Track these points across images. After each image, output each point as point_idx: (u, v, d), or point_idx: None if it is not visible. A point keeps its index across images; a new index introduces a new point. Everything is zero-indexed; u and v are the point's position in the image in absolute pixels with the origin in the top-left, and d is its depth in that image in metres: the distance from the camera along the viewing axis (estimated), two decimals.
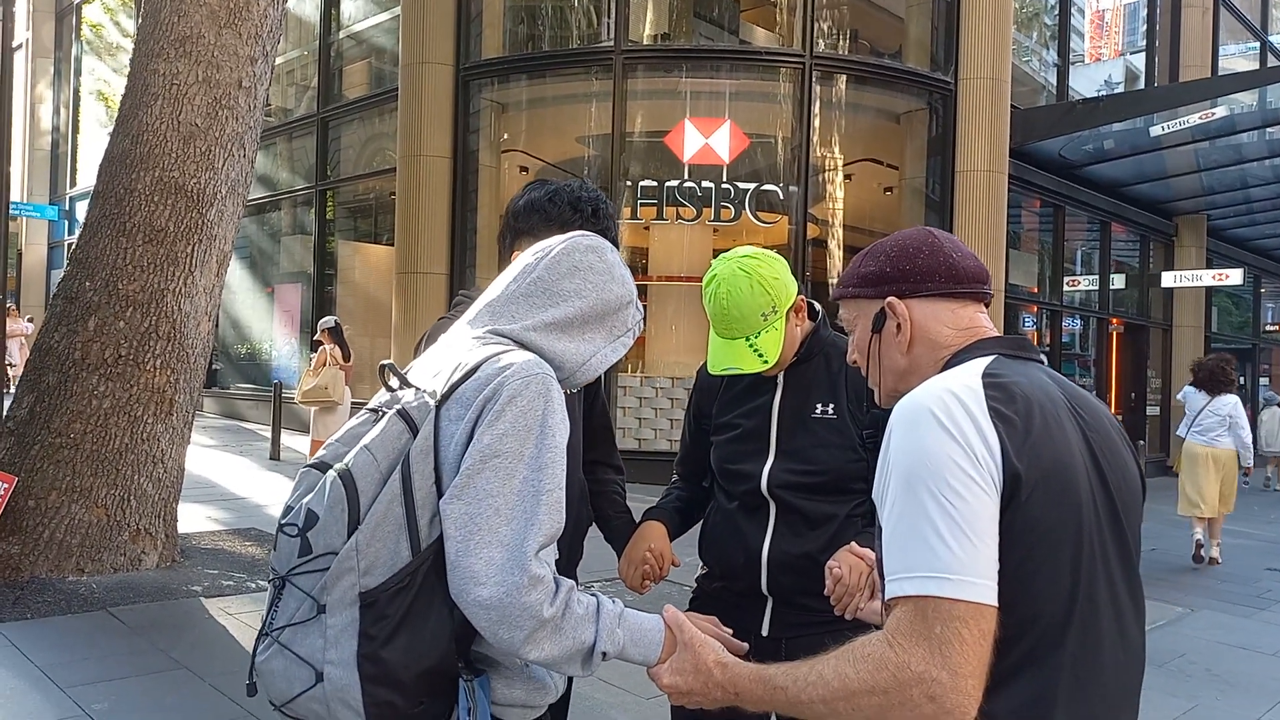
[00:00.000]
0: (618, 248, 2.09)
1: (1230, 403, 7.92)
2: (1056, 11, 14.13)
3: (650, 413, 9.97)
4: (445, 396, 1.33)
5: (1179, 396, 9.27)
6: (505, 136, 11.34)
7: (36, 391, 4.98)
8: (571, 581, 1.30)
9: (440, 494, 1.28)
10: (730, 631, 1.45)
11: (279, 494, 7.87)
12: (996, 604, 1.04)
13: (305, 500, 1.32)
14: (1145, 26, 15.82)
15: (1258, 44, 18.50)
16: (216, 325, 10.03)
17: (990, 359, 1.20)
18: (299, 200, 14.63)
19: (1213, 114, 10.85)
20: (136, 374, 5.03)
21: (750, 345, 1.95)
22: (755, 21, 12.40)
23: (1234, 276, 14.70)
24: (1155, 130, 11.42)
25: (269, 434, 10.77)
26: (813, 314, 2.10)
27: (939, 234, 1.34)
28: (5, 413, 5.20)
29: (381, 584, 1.25)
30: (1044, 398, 1.14)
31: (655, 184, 10.08)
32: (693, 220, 10.07)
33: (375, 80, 13.30)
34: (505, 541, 1.24)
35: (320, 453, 1.39)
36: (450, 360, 1.39)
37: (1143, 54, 15.97)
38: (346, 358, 9.34)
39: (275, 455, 10.28)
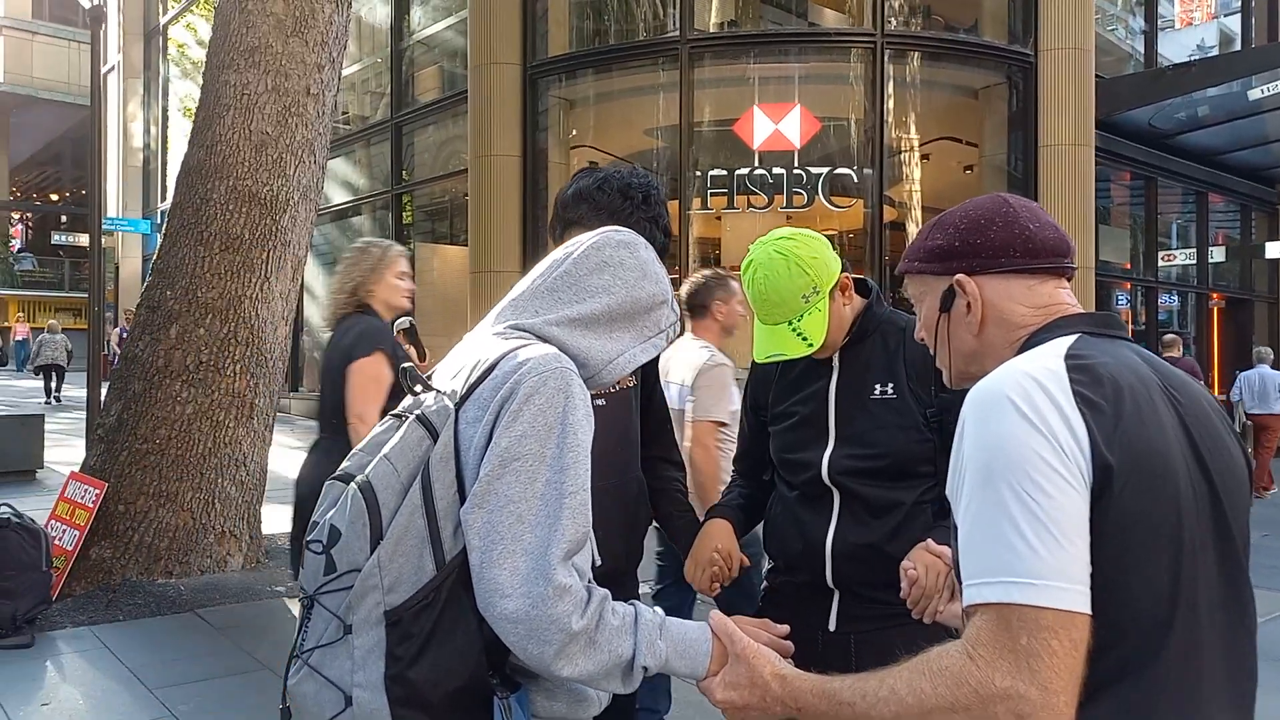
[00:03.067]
0: (669, 236, 2.00)
1: None
2: None
3: None
4: (464, 398, 1.26)
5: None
6: (574, 133, 11.34)
7: (123, 399, 5.14)
8: (605, 591, 1.22)
9: (463, 502, 1.21)
10: (785, 631, 1.35)
11: None
12: (1089, 611, 0.93)
13: (329, 515, 1.27)
14: None
15: None
16: (297, 330, 10.24)
17: (1073, 338, 1.08)
18: (377, 205, 14.92)
19: None
20: (217, 379, 5.16)
21: (793, 329, 1.86)
22: (824, 3, 12.14)
23: None
24: (1254, 94, 10.84)
25: None
26: (864, 290, 1.98)
27: (1015, 201, 1.21)
28: (95, 421, 5.39)
29: (406, 601, 1.19)
30: (1134, 379, 1.03)
31: (725, 173, 9.95)
32: (764, 208, 9.90)
33: (446, 83, 13.46)
34: (529, 549, 1.16)
35: (345, 464, 1.33)
36: (470, 359, 1.32)
37: (1238, 16, 15.14)
38: (422, 357, 9.46)
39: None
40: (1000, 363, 1.13)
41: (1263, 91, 10.75)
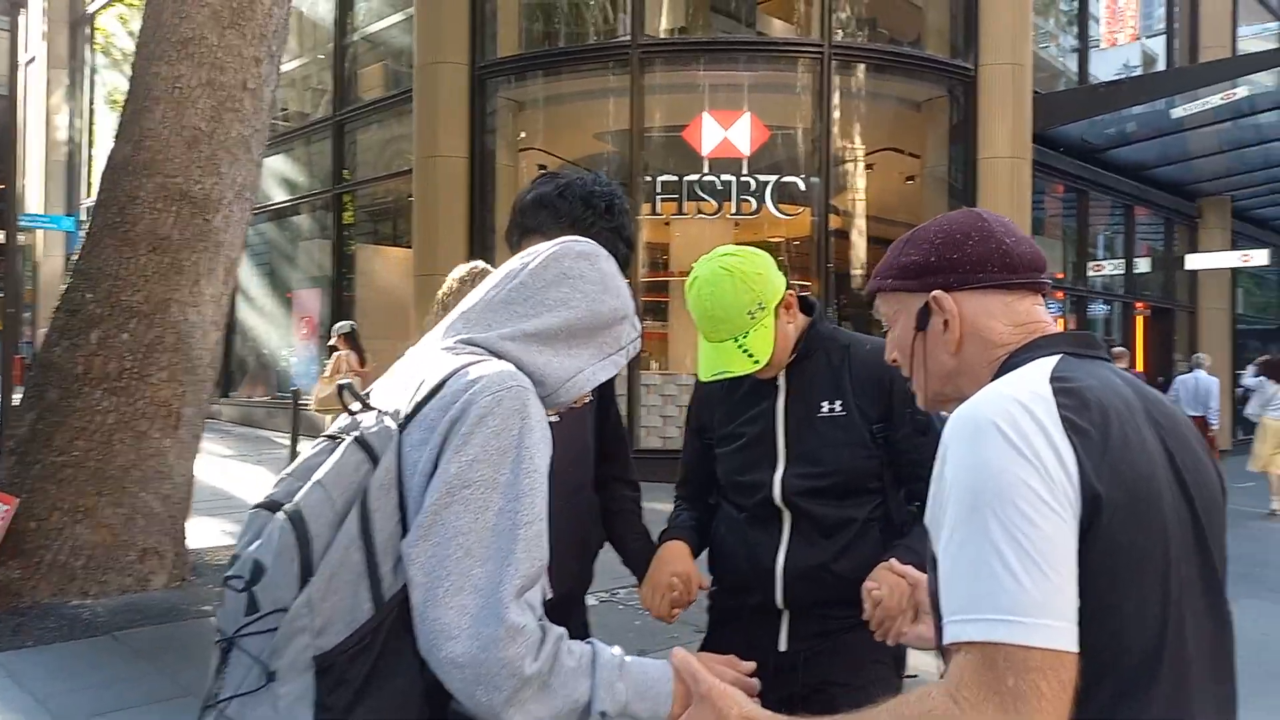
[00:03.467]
0: (633, 246, 1.91)
1: None
2: None
3: (674, 410, 9.81)
4: (408, 418, 1.15)
5: (1248, 383, 11.59)
6: (523, 135, 11.22)
7: (37, 409, 4.86)
8: (561, 630, 1.12)
9: (405, 534, 1.10)
10: (751, 669, 1.29)
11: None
12: (1077, 650, 0.89)
13: (252, 548, 1.13)
14: (1162, 9, 15.69)
15: (1276, 24, 18.18)
16: (231, 332, 9.92)
17: (1056, 359, 1.05)
18: (316, 204, 14.60)
19: (1234, 94, 10.74)
20: (141, 388, 4.90)
21: (739, 346, 1.84)
22: (772, 13, 12.26)
23: (1259, 257, 14.55)
24: (1177, 112, 11.35)
25: (287, 442, 10.68)
26: (807, 308, 1.97)
27: (989, 216, 1.18)
28: (5, 431, 5.08)
29: (339, 645, 1.07)
30: (1120, 404, 1.00)
31: (675, 178, 9.94)
32: (714, 214, 9.91)
33: (391, 82, 13.22)
34: (479, 586, 1.06)
35: (271, 490, 1.20)
36: (415, 376, 1.22)
37: (1160, 38, 15.88)
38: (363, 363, 9.23)
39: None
40: (978, 383, 1.10)
41: (1185, 110, 11.21)
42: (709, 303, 1.84)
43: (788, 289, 1.90)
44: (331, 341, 9.68)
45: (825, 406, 1.90)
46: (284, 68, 5.87)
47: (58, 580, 4.66)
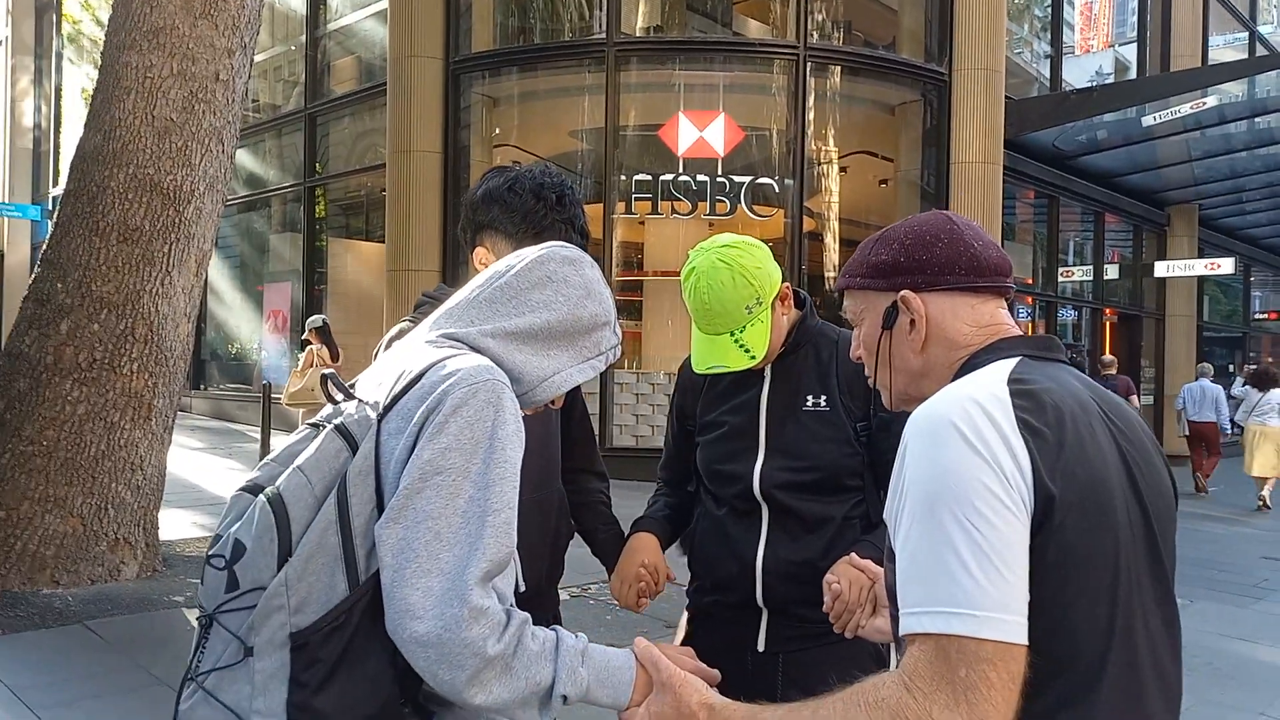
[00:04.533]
0: (587, 236, 1.94)
1: (1278, 395, 10.86)
2: (1048, 3, 14.04)
3: (647, 409, 9.85)
4: (387, 408, 1.19)
5: (1236, 391, 12.53)
6: (497, 131, 11.20)
7: (6, 398, 4.81)
8: (525, 615, 1.16)
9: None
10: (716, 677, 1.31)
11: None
12: (1027, 643, 0.92)
13: (234, 529, 1.18)
14: (1135, 18, 15.90)
15: (1246, 34, 18.49)
16: (201, 325, 9.83)
17: (1015, 361, 1.07)
18: (288, 197, 14.46)
19: (1204, 104, 10.90)
20: (112, 378, 4.87)
21: (736, 340, 1.81)
22: (748, 14, 12.29)
23: (1225, 265, 14.76)
24: (1147, 120, 11.48)
25: (258, 435, 10.61)
26: (799, 302, 1.96)
27: (958, 220, 1.20)
28: None
29: (314, 623, 1.11)
30: (1076, 406, 1.02)
31: (650, 178, 9.96)
32: (688, 214, 9.94)
33: (364, 75, 13.13)
34: (445, 569, 1.10)
35: (254, 474, 1.25)
36: (396, 367, 1.25)
37: (1132, 45, 16.04)
38: (335, 357, 9.19)
39: (265, 457, 10.11)
40: (941, 383, 1.12)
41: (1155, 119, 11.37)
42: (706, 296, 1.79)
43: (782, 281, 1.88)
44: (304, 336, 9.63)
45: (810, 400, 1.89)
46: (255, 59, 5.83)
47: (28, 569, 4.62)
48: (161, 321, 5.03)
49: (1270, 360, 20.92)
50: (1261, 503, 10.63)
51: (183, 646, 4.24)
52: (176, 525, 6.33)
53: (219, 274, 15.10)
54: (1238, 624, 5.54)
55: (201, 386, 15.44)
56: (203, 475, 8.87)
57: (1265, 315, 21.62)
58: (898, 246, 1.19)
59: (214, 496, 7.85)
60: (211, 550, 1.19)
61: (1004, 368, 1.06)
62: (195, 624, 1.21)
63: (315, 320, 9.49)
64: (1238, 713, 4.04)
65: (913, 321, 1.17)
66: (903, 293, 1.17)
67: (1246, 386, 11.50)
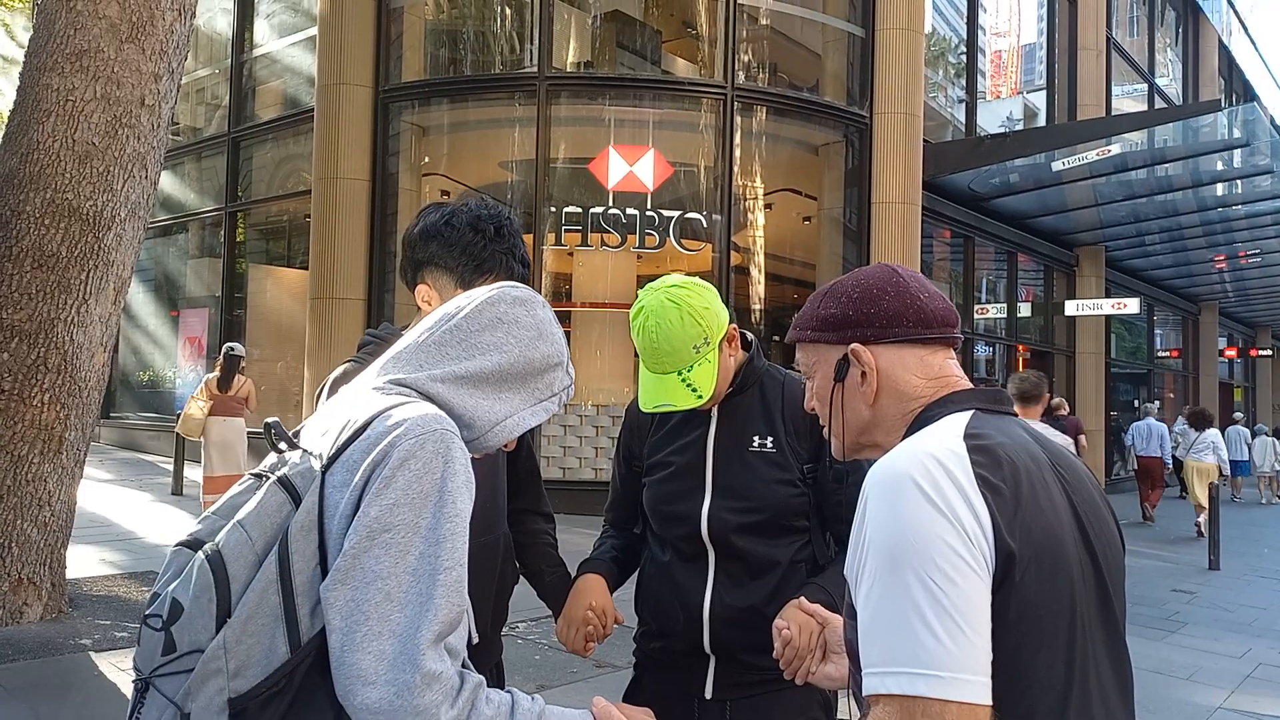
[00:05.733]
0: (529, 265, 1.94)
1: (1212, 434, 12.06)
2: (962, 51, 14.66)
3: (575, 441, 9.82)
4: (332, 459, 1.15)
5: (1176, 430, 14.18)
6: (426, 160, 11.14)
7: None
8: (479, 678, 1.13)
9: (325, 577, 1.10)
10: None
11: (180, 531, 7.45)
12: (991, 703, 0.93)
13: (171, 587, 1.13)
14: (1043, 66, 16.63)
15: (1145, 85, 19.57)
16: (115, 353, 9.46)
17: (969, 414, 1.09)
18: (207, 222, 14.10)
19: (1109, 150, 11.46)
20: (21, 410, 4.66)
21: (683, 380, 1.81)
22: (677, 53, 12.53)
23: (1131, 305, 15.46)
24: (1057, 165, 12.02)
25: (170, 466, 10.24)
26: (745, 343, 1.97)
27: (904, 272, 1.22)
28: None
29: (254, 688, 1.07)
30: (1029, 460, 1.04)
31: (580, 210, 10.01)
32: (617, 247, 10.02)
33: (290, 100, 12.93)
34: (397, 631, 1.06)
35: (195, 527, 1.20)
36: (342, 416, 1.21)
37: (1040, 92, 16.80)
38: (223, 386, 8.67)
39: (177, 490, 9.76)
40: (892, 434, 1.15)
41: (1064, 164, 11.93)
42: (655, 335, 1.80)
43: (730, 323, 1.89)
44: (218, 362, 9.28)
45: (756, 441, 1.88)
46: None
47: None
48: (76, 351, 4.85)
49: (1172, 395, 22.03)
50: (1198, 529, 11.50)
51: (89, 694, 4.05)
52: (84, 563, 6.06)
53: (134, 297, 14.58)
54: (1151, 658, 5.66)
55: (112, 415, 14.83)
56: (112, 509, 8.50)
57: (1167, 353, 22.66)
58: (846, 300, 1.20)
59: (124, 531, 7.54)
60: (148, 610, 1.14)
61: (959, 422, 1.07)
62: (132, 686, 1.16)
63: (231, 348, 9.13)
64: None
65: (864, 374, 1.18)
66: (853, 345, 1.18)
67: (1186, 426, 12.86)
